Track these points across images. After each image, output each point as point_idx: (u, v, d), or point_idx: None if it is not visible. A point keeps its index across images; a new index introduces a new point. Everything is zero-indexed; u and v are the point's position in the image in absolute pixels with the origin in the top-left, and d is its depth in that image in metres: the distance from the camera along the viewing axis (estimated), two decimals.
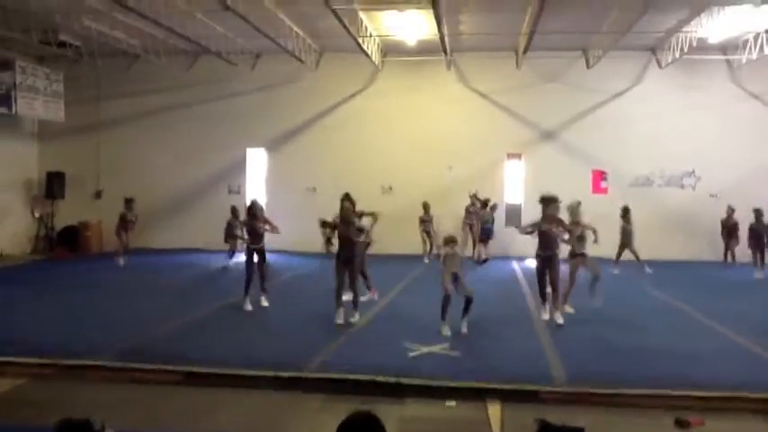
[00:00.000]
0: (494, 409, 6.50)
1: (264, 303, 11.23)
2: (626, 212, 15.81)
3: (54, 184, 20.19)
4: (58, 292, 12.87)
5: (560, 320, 9.79)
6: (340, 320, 9.79)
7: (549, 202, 10.17)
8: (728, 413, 6.42)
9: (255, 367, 7.42)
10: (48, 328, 9.43)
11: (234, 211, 16.29)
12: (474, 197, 18.29)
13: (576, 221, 10.59)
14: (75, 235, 20.27)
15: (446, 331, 9.09)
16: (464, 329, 9.15)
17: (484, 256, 17.91)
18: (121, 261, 16.68)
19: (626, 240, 15.74)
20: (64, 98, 19.79)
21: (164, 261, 17.78)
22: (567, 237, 10.24)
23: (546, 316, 10.19)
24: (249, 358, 7.83)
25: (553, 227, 10.02)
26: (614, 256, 15.72)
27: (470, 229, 18.17)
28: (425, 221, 18.12)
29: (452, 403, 6.69)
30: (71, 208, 20.61)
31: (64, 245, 20.00)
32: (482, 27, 17.13)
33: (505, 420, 6.24)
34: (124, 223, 16.97)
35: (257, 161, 21.03)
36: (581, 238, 10.59)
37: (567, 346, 8.51)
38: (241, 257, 12.97)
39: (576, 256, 10.57)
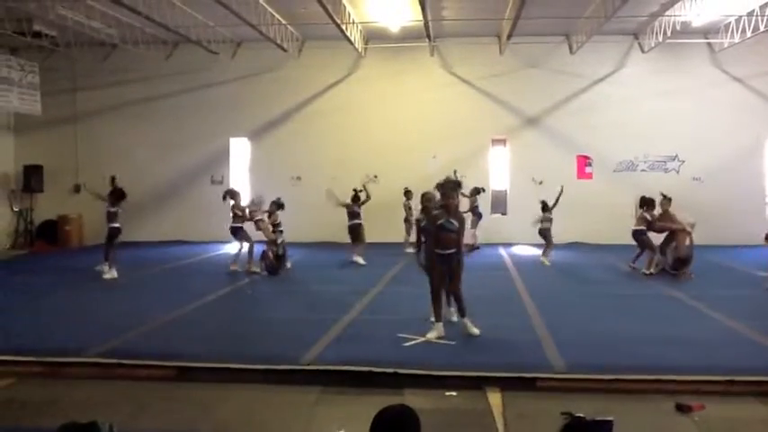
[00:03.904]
0: (494, 398, 6.44)
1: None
2: None
3: (32, 178, 19.80)
4: (43, 288, 12.55)
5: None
6: None
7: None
8: (729, 397, 6.41)
9: (249, 361, 7.28)
10: (34, 325, 9.21)
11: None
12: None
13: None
14: (54, 229, 19.93)
15: None
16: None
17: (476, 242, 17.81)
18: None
19: None
20: (40, 90, 19.35)
21: (147, 254, 17.51)
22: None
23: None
24: (243, 352, 7.69)
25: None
26: None
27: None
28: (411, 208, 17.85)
29: (452, 393, 6.62)
30: (50, 202, 20.27)
31: (43, 239, 19.66)
32: (465, 13, 17.01)
33: (506, 409, 6.18)
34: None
35: (240, 151, 20.81)
36: None
37: (563, 333, 8.44)
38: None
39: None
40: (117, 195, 13.43)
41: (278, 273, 13.52)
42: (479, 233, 18.00)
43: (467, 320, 8.50)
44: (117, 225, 13.41)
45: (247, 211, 14.07)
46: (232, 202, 14.12)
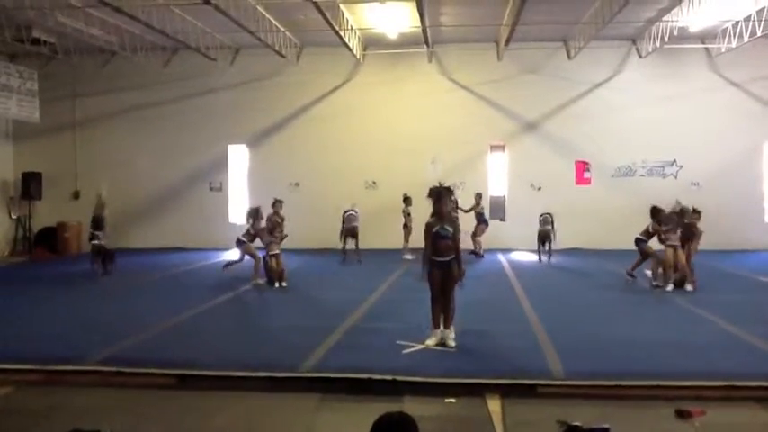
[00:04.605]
0: (494, 405, 6.41)
1: None
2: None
3: (31, 185, 19.80)
4: (42, 295, 12.57)
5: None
6: None
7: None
8: (730, 402, 6.40)
9: (249, 368, 7.26)
10: (33, 333, 9.19)
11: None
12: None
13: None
14: (53, 236, 19.90)
15: None
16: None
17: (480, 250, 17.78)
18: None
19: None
20: (39, 97, 19.36)
21: (146, 261, 17.50)
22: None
23: None
24: (242, 359, 7.67)
25: None
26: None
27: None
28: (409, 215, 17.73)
29: (452, 400, 6.61)
30: (49, 209, 20.27)
31: (42, 246, 19.62)
32: (463, 19, 17.06)
33: (506, 415, 6.16)
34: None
35: (239, 158, 20.81)
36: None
37: (563, 339, 8.43)
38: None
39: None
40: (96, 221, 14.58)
41: (281, 286, 13.38)
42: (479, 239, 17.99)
43: (448, 332, 8.28)
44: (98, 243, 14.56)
45: (264, 225, 13.85)
46: (251, 222, 13.90)
